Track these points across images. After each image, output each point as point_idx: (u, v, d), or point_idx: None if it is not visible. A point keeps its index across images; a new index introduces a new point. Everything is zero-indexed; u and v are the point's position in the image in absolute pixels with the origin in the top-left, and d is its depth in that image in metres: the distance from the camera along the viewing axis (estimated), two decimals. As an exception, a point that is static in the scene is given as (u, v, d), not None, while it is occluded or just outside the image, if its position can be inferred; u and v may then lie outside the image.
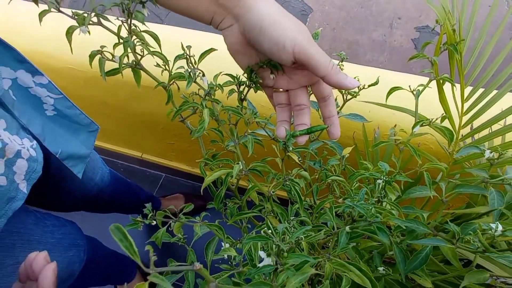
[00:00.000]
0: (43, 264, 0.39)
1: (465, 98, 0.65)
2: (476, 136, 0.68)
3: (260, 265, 0.29)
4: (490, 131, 0.67)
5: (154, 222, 0.35)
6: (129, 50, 0.35)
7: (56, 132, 0.64)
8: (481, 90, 0.67)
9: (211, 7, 0.37)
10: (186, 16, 0.38)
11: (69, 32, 0.31)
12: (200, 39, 0.96)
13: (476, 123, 0.66)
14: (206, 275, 0.23)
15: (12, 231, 0.60)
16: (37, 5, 0.29)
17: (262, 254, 0.30)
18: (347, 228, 0.35)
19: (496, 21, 0.67)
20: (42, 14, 0.29)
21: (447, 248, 0.43)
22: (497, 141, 0.72)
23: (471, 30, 0.67)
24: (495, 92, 0.66)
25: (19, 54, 0.56)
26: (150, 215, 0.35)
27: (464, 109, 0.66)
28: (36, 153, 0.55)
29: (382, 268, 0.53)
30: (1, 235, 0.53)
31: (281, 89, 0.43)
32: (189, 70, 0.40)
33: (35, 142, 0.56)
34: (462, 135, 0.68)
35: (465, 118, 0.67)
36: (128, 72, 0.41)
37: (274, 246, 0.28)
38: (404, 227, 0.41)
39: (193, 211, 0.49)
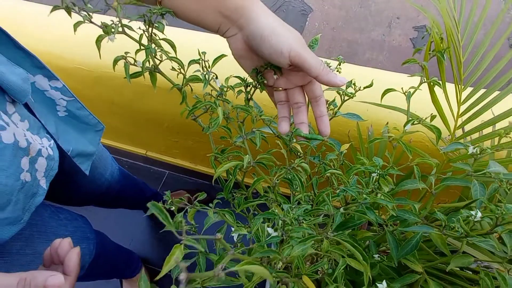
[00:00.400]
0: (68, 249, 0.43)
1: (462, 100, 0.69)
2: (469, 138, 0.72)
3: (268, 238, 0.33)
4: (480, 134, 0.71)
5: (173, 207, 0.39)
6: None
7: (67, 131, 0.68)
8: (480, 92, 0.69)
9: (218, 18, 0.42)
10: (196, 25, 0.44)
11: (99, 40, 0.34)
12: (209, 42, 0.99)
13: (473, 123, 0.70)
14: (224, 244, 0.27)
15: (31, 223, 0.63)
16: (70, 16, 0.32)
17: (269, 230, 0.35)
18: (341, 209, 0.40)
19: (493, 20, 0.70)
20: (76, 25, 0.33)
21: (436, 236, 0.47)
22: (488, 143, 0.75)
23: (477, 31, 0.69)
24: (493, 95, 0.68)
25: (38, 60, 0.60)
26: (169, 201, 0.40)
27: (461, 111, 0.70)
28: (53, 152, 0.59)
29: (378, 255, 0.57)
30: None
31: (280, 88, 0.49)
32: (204, 73, 0.45)
33: (52, 141, 0.60)
34: (456, 136, 0.72)
35: (462, 119, 0.70)
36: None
37: (280, 222, 0.33)
38: (394, 214, 0.46)
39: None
